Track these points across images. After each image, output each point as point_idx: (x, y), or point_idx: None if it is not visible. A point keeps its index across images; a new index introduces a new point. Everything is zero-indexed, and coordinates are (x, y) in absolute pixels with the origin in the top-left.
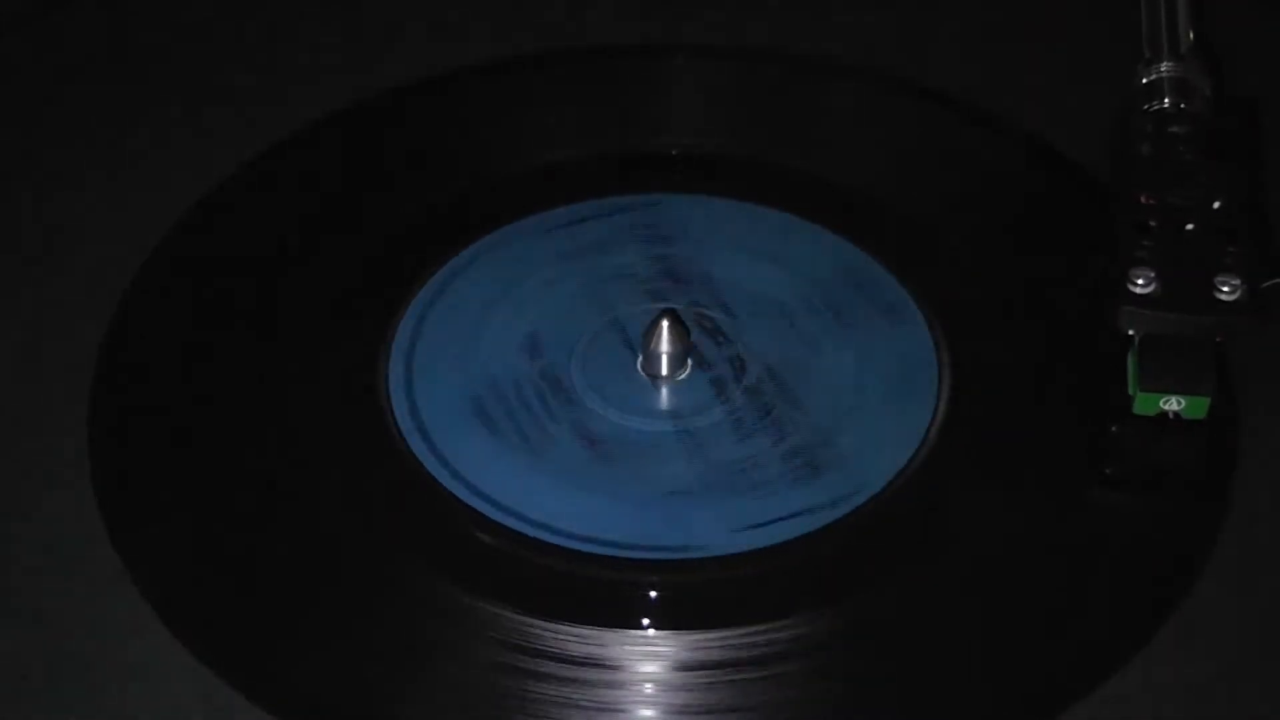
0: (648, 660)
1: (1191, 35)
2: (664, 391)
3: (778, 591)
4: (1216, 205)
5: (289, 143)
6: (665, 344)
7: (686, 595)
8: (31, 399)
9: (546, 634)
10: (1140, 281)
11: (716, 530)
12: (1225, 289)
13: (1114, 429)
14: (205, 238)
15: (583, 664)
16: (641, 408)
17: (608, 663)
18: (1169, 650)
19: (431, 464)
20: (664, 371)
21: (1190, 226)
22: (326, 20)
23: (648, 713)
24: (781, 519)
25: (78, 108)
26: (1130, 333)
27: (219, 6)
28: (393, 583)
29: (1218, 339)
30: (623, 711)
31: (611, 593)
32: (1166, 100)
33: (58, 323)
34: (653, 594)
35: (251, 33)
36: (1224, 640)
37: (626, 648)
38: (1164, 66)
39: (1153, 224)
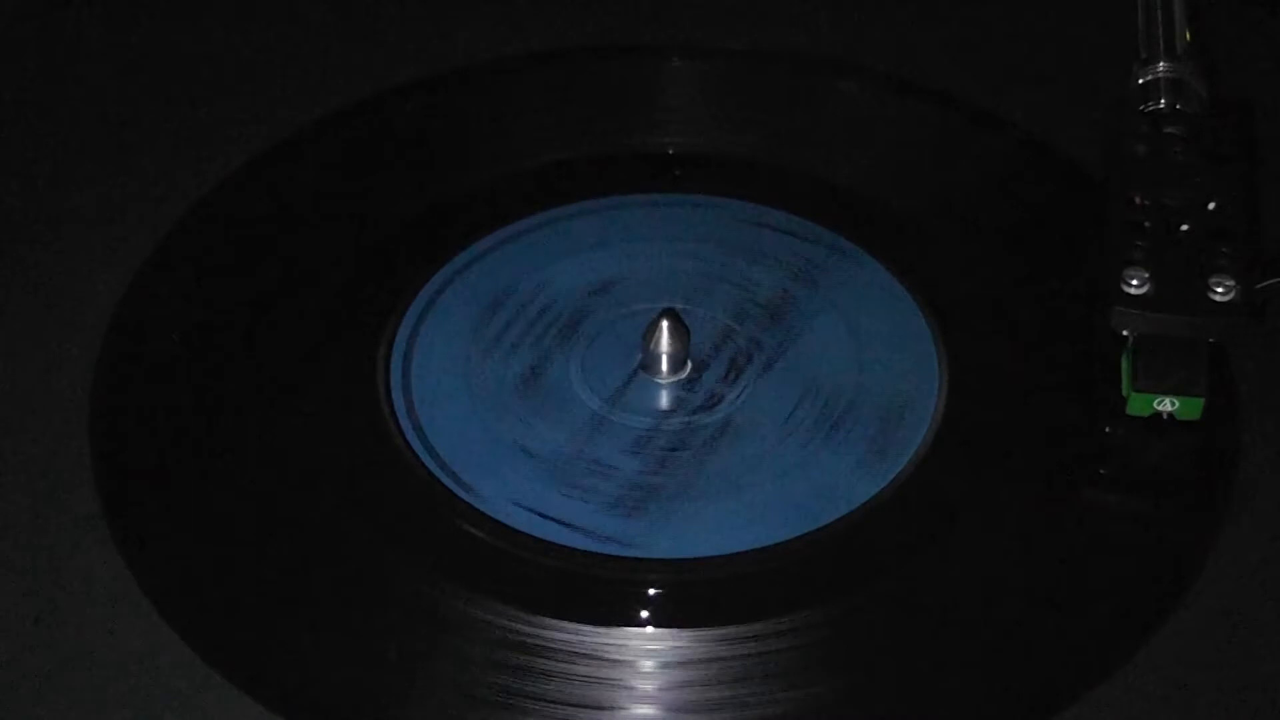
0: (647, 658)
1: (1188, 36)
2: (665, 391)
3: (777, 591)
4: (1211, 206)
5: (289, 142)
6: (665, 344)
7: (686, 594)
8: (33, 398)
9: (546, 632)
10: (1134, 282)
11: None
12: (1219, 290)
13: (1108, 429)
14: (205, 238)
15: (582, 662)
16: (643, 407)
17: (607, 660)
18: (1167, 651)
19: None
20: (664, 371)
21: (1185, 227)
22: (326, 20)
23: (648, 711)
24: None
25: (78, 108)
26: (1125, 333)
27: (219, 6)
28: (393, 581)
29: (1211, 340)
30: (623, 709)
31: (612, 591)
32: (1162, 100)
33: (59, 321)
34: (652, 592)
35: (251, 33)
36: (1221, 641)
37: (626, 645)
38: (1160, 67)
39: (1147, 224)
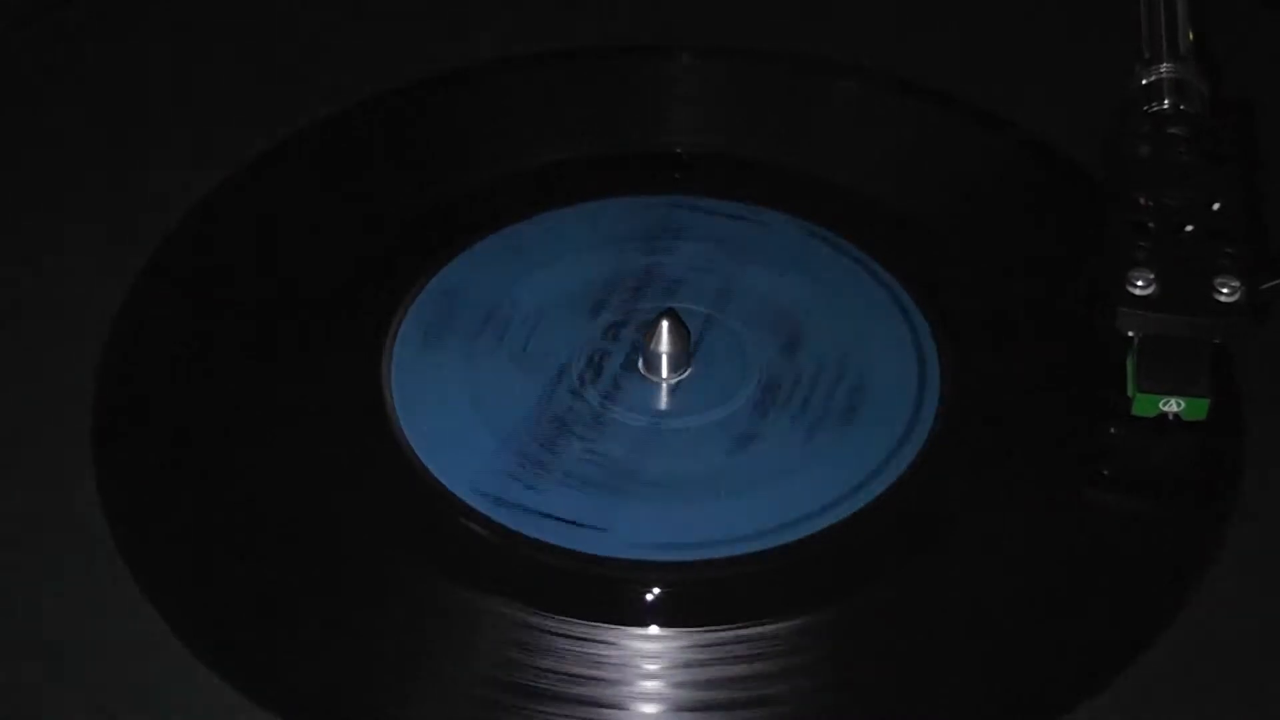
0: (647, 658)
1: (1191, 36)
2: (666, 391)
3: (777, 591)
4: (1215, 207)
5: (289, 142)
6: (666, 344)
7: (686, 594)
8: (34, 400)
9: (547, 631)
10: (1139, 283)
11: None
12: (1224, 290)
13: (1113, 430)
14: (206, 238)
15: (582, 661)
16: (644, 407)
17: (607, 660)
18: (1171, 654)
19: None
20: (665, 372)
21: (1189, 228)
22: (326, 20)
23: (648, 711)
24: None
25: (78, 108)
26: (1129, 334)
27: (218, 6)
28: (393, 581)
29: (1216, 340)
30: (623, 709)
31: (612, 590)
32: (1165, 101)
33: (60, 322)
34: (655, 591)
35: (251, 33)
36: (1226, 644)
37: (626, 645)
38: (1163, 67)
39: (1151, 225)
